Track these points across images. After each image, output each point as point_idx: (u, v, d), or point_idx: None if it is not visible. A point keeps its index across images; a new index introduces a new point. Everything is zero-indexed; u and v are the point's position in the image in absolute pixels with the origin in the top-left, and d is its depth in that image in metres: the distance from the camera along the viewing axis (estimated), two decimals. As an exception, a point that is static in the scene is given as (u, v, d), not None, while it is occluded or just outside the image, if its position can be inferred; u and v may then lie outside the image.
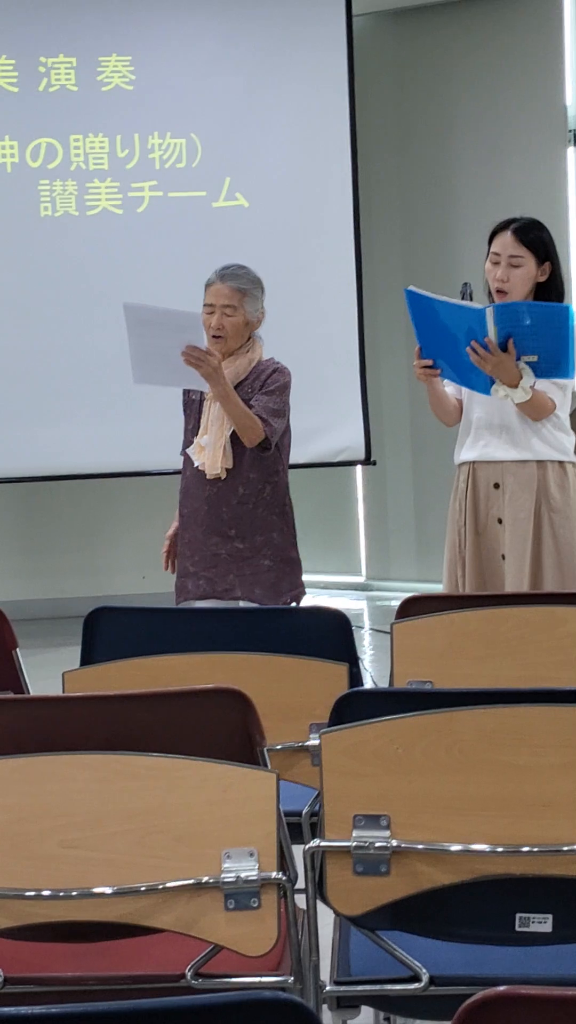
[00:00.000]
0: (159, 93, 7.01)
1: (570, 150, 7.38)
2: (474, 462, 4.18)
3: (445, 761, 2.05)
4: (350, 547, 8.09)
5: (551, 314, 3.91)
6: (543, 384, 4.04)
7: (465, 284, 4.82)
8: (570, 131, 7.35)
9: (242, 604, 4.46)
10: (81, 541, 7.77)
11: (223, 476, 4.45)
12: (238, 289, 4.42)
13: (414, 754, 2.05)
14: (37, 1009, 1.20)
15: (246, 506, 4.48)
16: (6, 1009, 1.24)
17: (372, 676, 5.76)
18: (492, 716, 2.06)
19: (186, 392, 4.59)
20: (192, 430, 4.55)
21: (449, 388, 4.26)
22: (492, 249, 4.10)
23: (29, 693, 3.02)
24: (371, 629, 6.92)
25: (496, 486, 4.14)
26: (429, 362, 4.08)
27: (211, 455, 4.45)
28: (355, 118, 7.10)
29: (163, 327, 4.29)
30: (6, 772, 2.08)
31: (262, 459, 4.47)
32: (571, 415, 4.32)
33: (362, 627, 6.99)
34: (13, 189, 6.97)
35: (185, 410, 4.61)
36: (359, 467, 7.74)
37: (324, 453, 7.11)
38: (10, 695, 2.89)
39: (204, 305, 4.46)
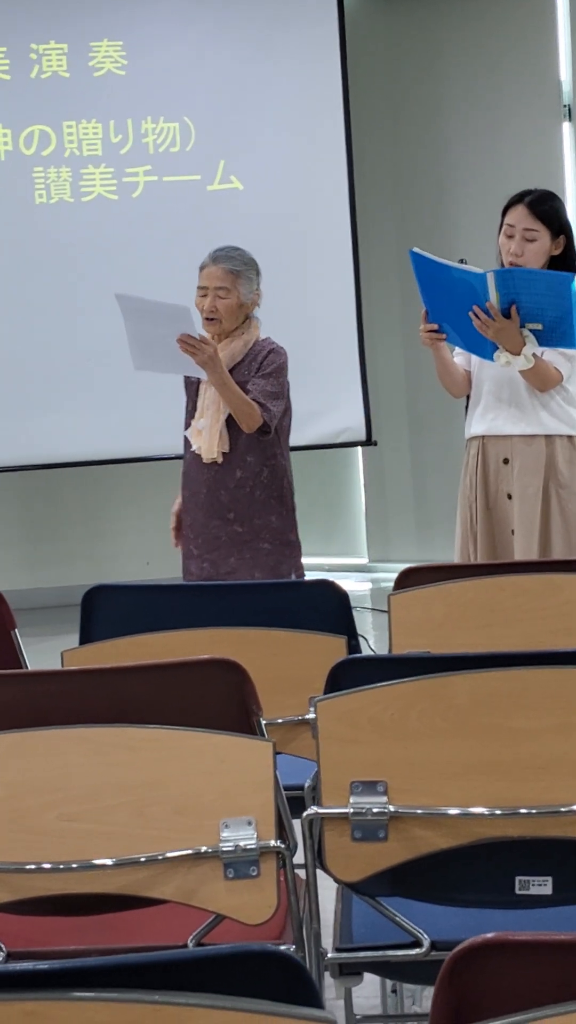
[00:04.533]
0: (151, 77, 6.99)
1: (565, 125, 7.35)
2: (483, 436, 4.16)
3: (441, 726, 2.05)
4: (353, 529, 8.08)
5: (553, 282, 3.87)
6: (550, 355, 4.01)
7: (461, 260, 4.79)
8: (565, 106, 7.33)
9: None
10: (84, 528, 7.77)
11: (219, 460, 4.44)
12: (231, 271, 4.41)
13: (410, 719, 2.05)
14: (34, 965, 1.20)
15: (244, 489, 4.48)
16: (4, 967, 1.24)
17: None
18: (487, 680, 2.06)
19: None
20: (190, 412, 4.56)
21: (458, 358, 4.23)
22: (506, 221, 4.05)
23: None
24: (374, 609, 6.91)
25: (505, 461, 4.13)
26: (435, 326, 4.03)
27: (207, 439, 4.45)
28: (348, 97, 7.08)
29: (156, 316, 4.30)
30: (4, 747, 2.08)
31: (260, 442, 4.46)
32: None
33: (366, 608, 6.98)
34: (7, 177, 6.96)
35: (186, 391, 4.62)
36: (359, 449, 7.73)
37: (325, 435, 7.10)
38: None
39: (198, 288, 4.45)
